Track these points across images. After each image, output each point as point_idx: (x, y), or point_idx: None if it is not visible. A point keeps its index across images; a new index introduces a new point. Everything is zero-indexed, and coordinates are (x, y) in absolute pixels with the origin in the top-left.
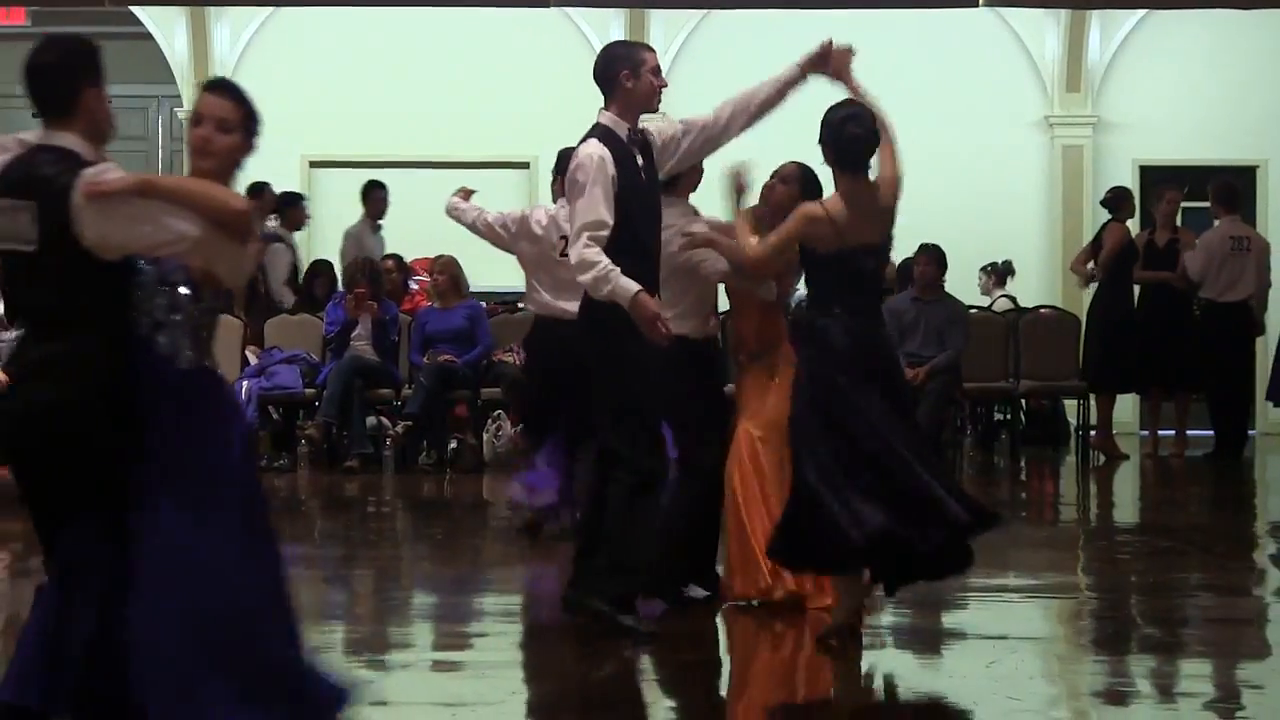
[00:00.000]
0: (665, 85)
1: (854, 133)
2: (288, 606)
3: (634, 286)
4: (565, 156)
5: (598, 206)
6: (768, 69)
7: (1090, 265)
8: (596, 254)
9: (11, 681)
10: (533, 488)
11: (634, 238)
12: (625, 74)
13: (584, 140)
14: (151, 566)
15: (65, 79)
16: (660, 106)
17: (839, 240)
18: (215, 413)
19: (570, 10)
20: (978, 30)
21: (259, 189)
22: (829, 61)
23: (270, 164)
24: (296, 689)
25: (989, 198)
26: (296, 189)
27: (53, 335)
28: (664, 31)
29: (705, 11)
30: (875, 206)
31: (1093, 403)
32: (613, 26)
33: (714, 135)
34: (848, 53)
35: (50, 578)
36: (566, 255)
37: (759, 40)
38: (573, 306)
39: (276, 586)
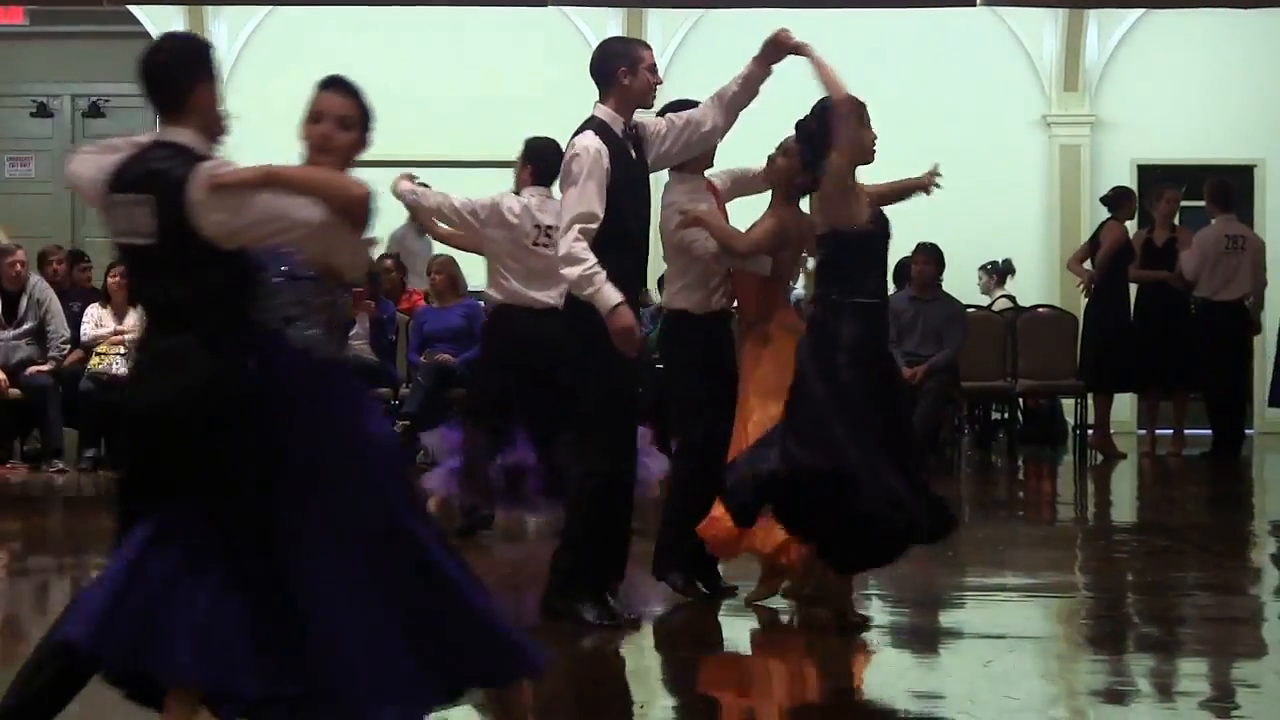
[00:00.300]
0: (661, 82)
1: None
2: (439, 581)
3: (616, 297)
4: (533, 146)
5: (590, 199)
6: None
7: (1087, 265)
8: (584, 250)
9: (90, 628)
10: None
11: (624, 231)
12: (623, 70)
13: (580, 132)
14: (308, 559)
15: (178, 76)
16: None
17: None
18: (352, 402)
19: (568, 9)
20: (975, 30)
21: None
22: (783, 46)
23: (270, 161)
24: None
25: (987, 197)
26: None
27: (175, 326)
28: (662, 30)
29: (703, 11)
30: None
31: (1090, 402)
32: (610, 25)
33: (697, 136)
34: (789, 38)
35: (130, 543)
36: (540, 245)
37: (757, 39)
38: (543, 295)
39: (423, 565)
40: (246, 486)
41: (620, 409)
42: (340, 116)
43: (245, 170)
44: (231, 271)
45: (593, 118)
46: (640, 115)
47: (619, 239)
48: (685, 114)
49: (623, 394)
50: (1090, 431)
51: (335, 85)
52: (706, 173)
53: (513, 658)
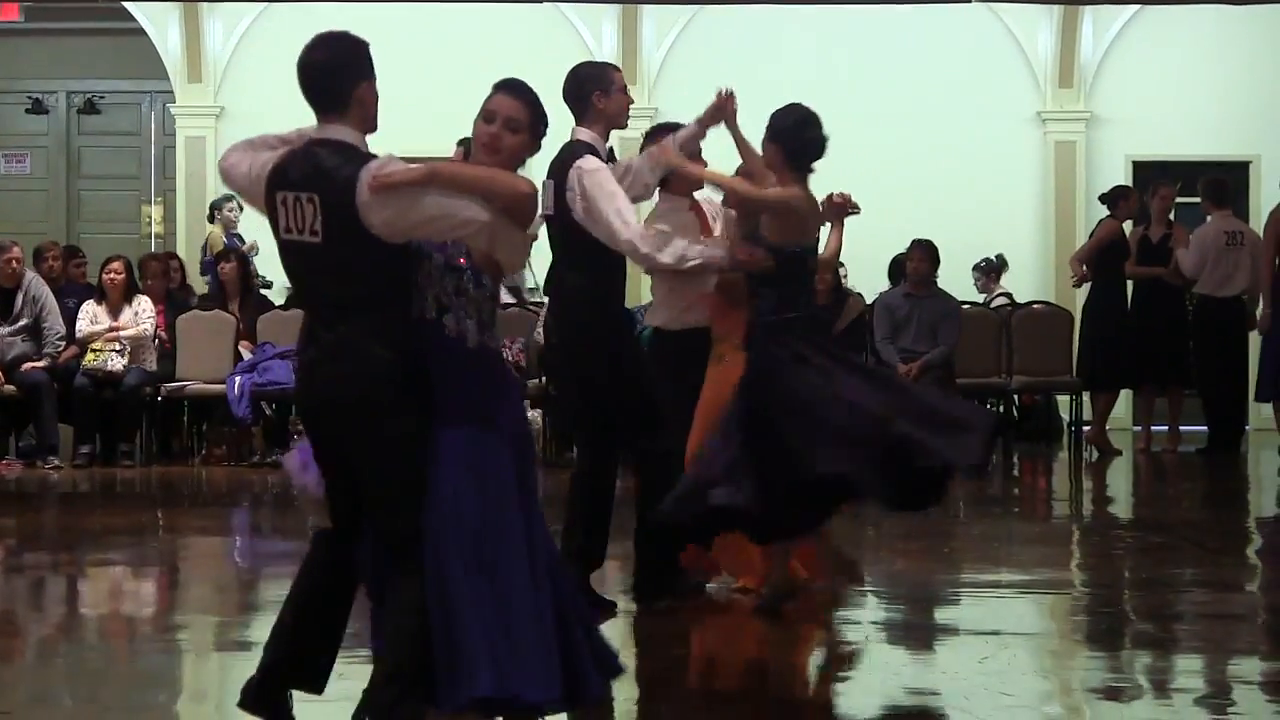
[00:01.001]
0: (633, 101)
1: (814, 135)
2: (545, 573)
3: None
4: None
5: (630, 208)
6: (759, 64)
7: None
8: (666, 240)
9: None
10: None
11: (617, 257)
12: (597, 94)
13: (575, 155)
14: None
15: (339, 74)
16: (654, 104)
17: (802, 234)
18: (500, 389)
19: (563, 6)
20: (971, 26)
21: None
22: (721, 113)
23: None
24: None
25: (982, 193)
26: None
27: (343, 319)
28: (656, 27)
29: (698, 7)
30: (816, 211)
31: (1086, 398)
32: (605, 22)
33: (632, 193)
34: (732, 99)
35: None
36: None
37: (751, 36)
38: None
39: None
40: (420, 471)
41: (601, 411)
42: (510, 118)
43: (413, 170)
44: (395, 265)
45: (580, 142)
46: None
47: (610, 255)
48: (626, 163)
49: (604, 396)
50: (1086, 428)
51: (509, 88)
52: (698, 194)
53: (580, 680)
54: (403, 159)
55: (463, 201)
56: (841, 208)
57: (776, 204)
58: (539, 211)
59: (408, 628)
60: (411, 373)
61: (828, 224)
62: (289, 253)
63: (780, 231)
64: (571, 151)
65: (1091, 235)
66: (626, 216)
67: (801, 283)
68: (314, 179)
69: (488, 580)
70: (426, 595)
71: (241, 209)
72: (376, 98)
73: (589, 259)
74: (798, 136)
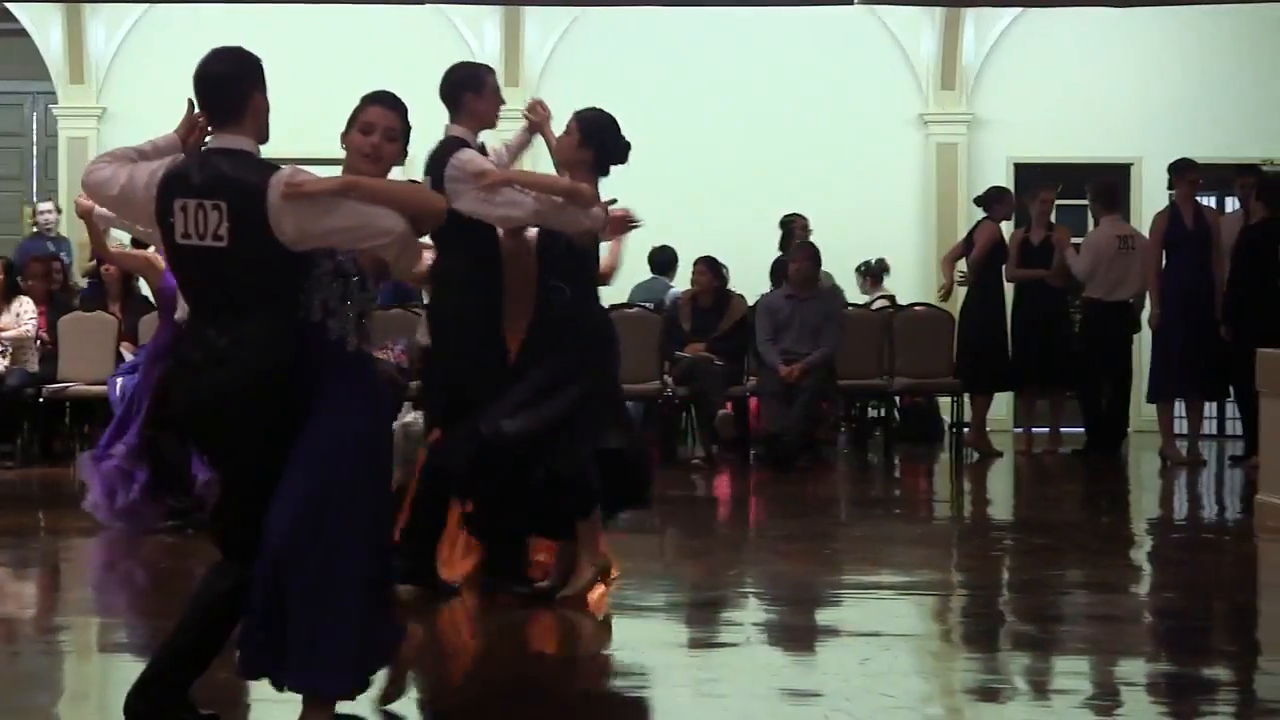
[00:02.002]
0: (505, 103)
1: (625, 143)
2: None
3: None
4: None
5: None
6: (642, 67)
7: (961, 264)
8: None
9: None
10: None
11: (495, 241)
12: (470, 95)
13: (450, 149)
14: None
15: (235, 85)
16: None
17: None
18: (373, 391)
19: (446, 8)
20: (853, 28)
21: None
22: (531, 119)
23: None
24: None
25: (864, 195)
26: None
27: (239, 321)
28: (540, 29)
29: (580, 10)
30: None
31: (967, 400)
32: (487, 25)
33: None
34: (542, 105)
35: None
36: None
37: (633, 39)
38: None
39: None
40: (276, 455)
41: (461, 408)
42: (388, 128)
43: (329, 180)
44: (292, 270)
45: (453, 137)
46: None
47: (487, 243)
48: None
49: (464, 393)
50: (966, 429)
51: (384, 100)
52: None
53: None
54: (279, 160)
55: (381, 212)
56: (622, 221)
57: (570, 191)
58: None
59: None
60: (291, 376)
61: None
62: (185, 257)
63: (578, 230)
64: (446, 147)
65: (968, 238)
66: (483, 170)
67: (592, 283)
68: (219, 186)
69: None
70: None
71: (60, 211)
72: (268, 108)
73: (467, 244)
74: (613, 143)
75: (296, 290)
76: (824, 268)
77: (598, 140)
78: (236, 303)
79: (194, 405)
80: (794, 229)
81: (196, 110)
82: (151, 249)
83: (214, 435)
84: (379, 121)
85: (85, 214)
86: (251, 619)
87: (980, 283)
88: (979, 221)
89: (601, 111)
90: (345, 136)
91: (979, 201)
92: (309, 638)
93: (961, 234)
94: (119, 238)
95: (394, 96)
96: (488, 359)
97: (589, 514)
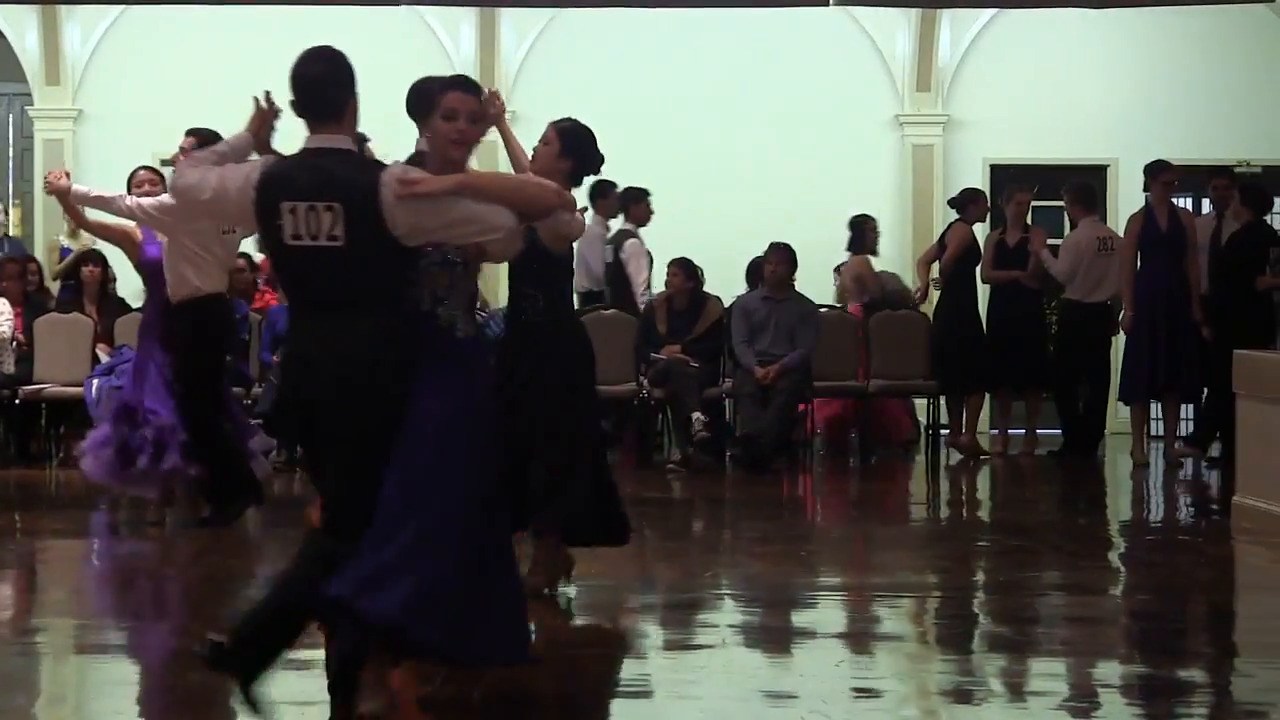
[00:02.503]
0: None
1: (599, 155)
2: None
3: None
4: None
5: None
6: (618, 68)
7: (935, 266)
8: None
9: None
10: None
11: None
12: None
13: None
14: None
15: (336, 87)
16: (512, 107)
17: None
18: (481, 374)
19: (421, 9)
20: (829, 30)
21: (608, 188)
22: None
23: (120, 161)
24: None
25: (840, 197)
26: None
27: (353, 316)
28: (515, 31)
29: (556, 10)
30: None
31: (943, 402)
32: (463, 26)
33: None
34: (498, 97)
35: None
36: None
37: (609, 39)
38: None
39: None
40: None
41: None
42: (471, 112)
43: (443, 180)
44: (404, 263)
45: (421, 151)
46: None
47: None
48: None
49: None
50: (944, 431)
51: (464, 85)
52: None
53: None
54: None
55: (493, 208)
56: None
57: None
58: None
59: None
60: (407, 367)
61: None
62: (295, 257)
63: (554, 237)
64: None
65: (941, 240)
66: None
67: (566, 290)
68: (331, 187)
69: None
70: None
71: (8, 215)
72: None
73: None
74: (591, 154)
75: (407, 283)
76: (799, 269)
77: (577, 152)
78: (350, 299)
79: (314, 401)
80: (865, 230)
81: (265, 104)
82: (133, 224)
83: (334, 428)
84: (460, 107)
85: (60, 192)
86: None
87: (952, 285)
88: (951, 223)
89: (579, 123)
90: (425, 125)
91: (952, 203)
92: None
93: (937, 235)
94: (96, 215)
95: (469, 80)
96: None
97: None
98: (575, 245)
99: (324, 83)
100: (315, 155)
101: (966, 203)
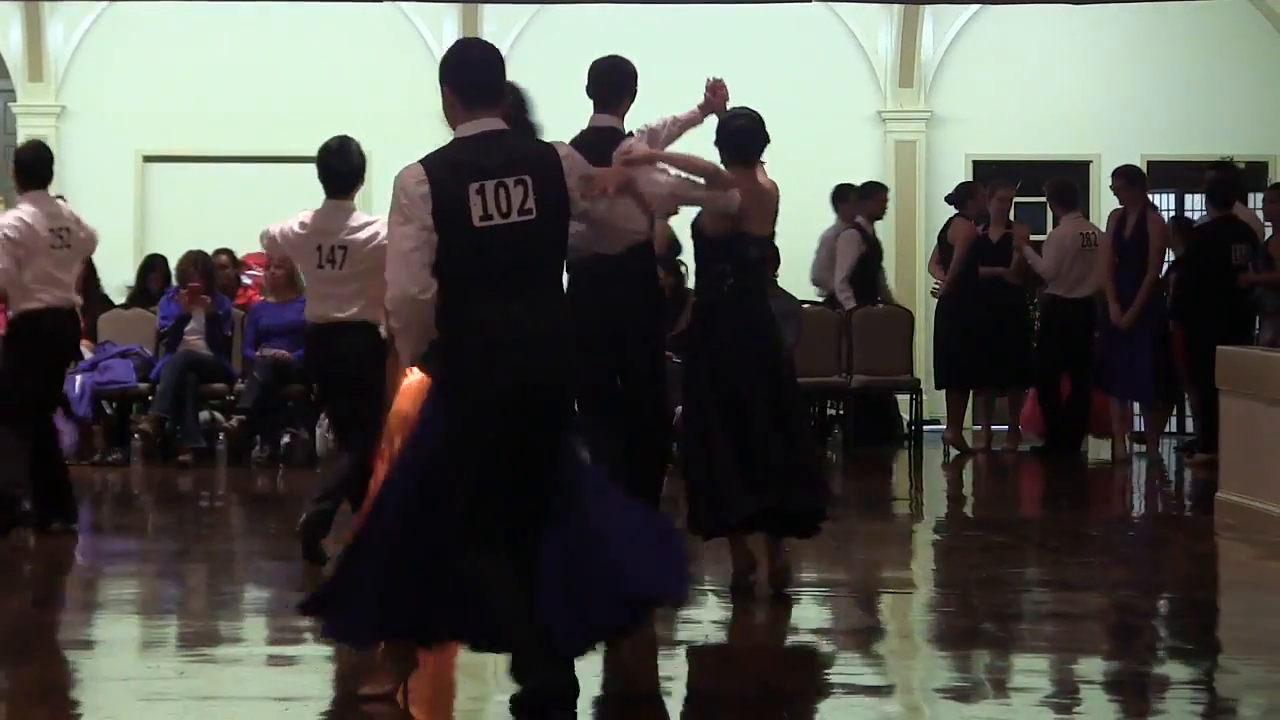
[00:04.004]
0: None
1: (739, 124)
2: None
3: None
4: None
5: None
6: None
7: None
8: None
9: None
10: None
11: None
12: (629, 99)
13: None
14: None
15: (498, 70)
16: None
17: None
18: None
19: (404, 5)
20: (811, 25)
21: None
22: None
23: (104, 157)
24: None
25: (822, 192)
26: (129, 183)
27: (559, 294)
28: (497, 26)
29: (539, 6)
30: (763, 201)
31: (924, 397)
32: (446, 21)
33: None
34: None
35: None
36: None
37: (592, 35)
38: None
39: None
40: None
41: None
42: None
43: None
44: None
45: (610, 127)
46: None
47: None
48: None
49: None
50: (927, 427)
51: None
52: None
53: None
54: (239, 159)
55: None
56: None
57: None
58: None
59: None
60: None
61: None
62: (486, 237)
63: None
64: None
65: (943, 237)
66: None
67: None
68: (525, 162)
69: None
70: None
71: None
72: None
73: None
74: (727, 127)
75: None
76: (782, 264)
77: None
78: (553, 275)
79: (534, 386)
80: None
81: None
82: None
83: (554, 412)
84: None
85: None
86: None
87: (964, 282)
88: (951, 220)
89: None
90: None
91: (950, 200)
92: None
93: (921, 231)
94: None
95: None
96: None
97: None
98: None
99: (487, 66)
100: (504, 135)
101: (965, 198)
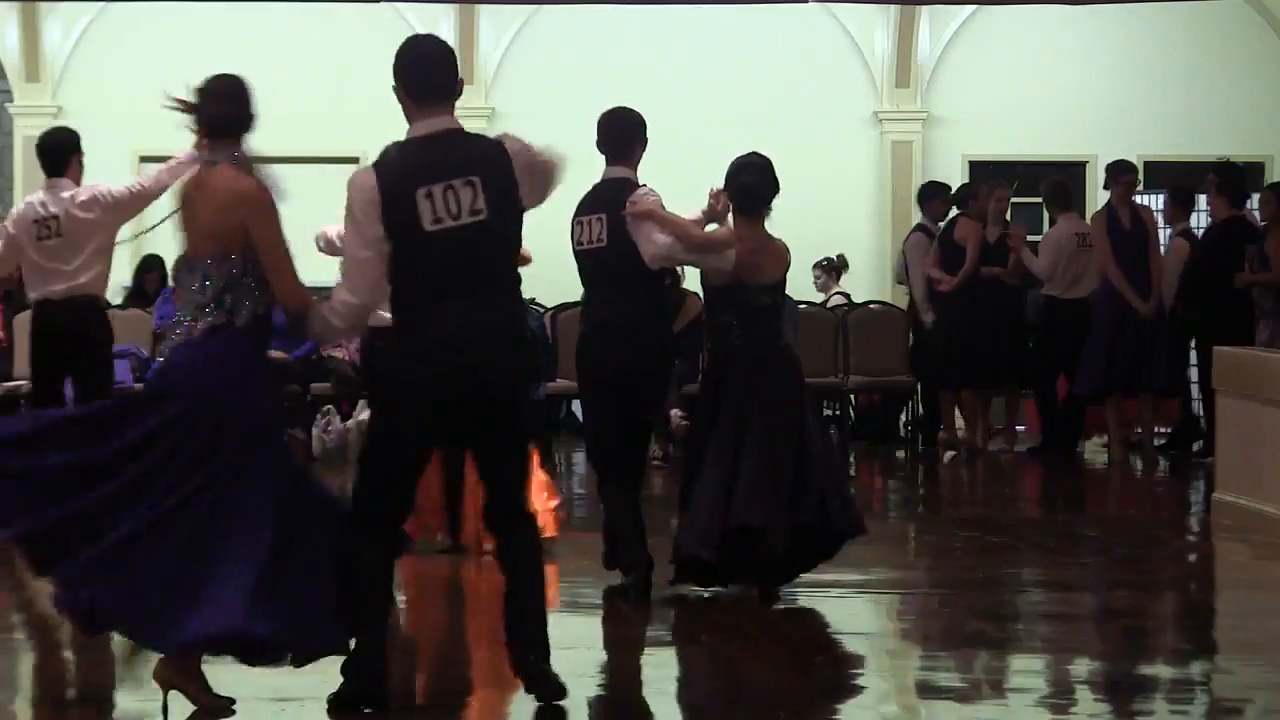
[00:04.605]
0: None
1: (745, 181)
2: None
3: None
4: None
5: None
6: (597, 65)
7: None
8: None
9: None
10: None
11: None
12: (639, 147)
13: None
14: None
15: (450, 66)
16: (491, 103)
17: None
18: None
19: (400, 5)
20: (808, 26)
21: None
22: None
23: (100, 157)
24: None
25: (819, 193)
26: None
27: (510, 289)
28: (494, 27)
29: (535, 7)
30: (769, 249)
31: (919, 398)
32: (442, 22)
33: None
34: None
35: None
36: None
37: (589, 36)
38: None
39: None
40: None
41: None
42: None
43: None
44: None
45: (625, 179)
46: None
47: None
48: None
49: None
50: (924, 427)
51: None
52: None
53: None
54: (253, 159)
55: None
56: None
57: (705, 244)
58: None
59: None
60: None
61: None
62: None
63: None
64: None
65: (944, 237)
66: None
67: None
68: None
69: None
70: None
71: None
72: None
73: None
74: (735, 181)
75: None
76: None
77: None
78: (490, 274)
79: (471, 379)
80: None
81: None
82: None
83: (496, 408)
84: None
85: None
86: None
87: (976, 282)
88: (955, 220)
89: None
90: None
91: (952, 200)
92: None
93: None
94: None
95: None
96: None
97: None
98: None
99: (446, 64)
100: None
101: (968, 198)
